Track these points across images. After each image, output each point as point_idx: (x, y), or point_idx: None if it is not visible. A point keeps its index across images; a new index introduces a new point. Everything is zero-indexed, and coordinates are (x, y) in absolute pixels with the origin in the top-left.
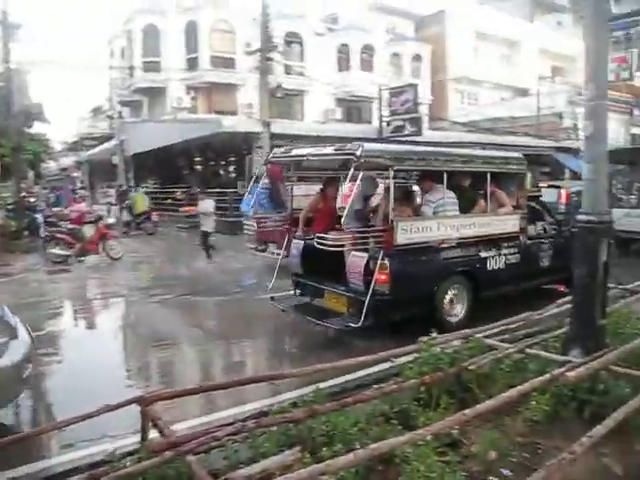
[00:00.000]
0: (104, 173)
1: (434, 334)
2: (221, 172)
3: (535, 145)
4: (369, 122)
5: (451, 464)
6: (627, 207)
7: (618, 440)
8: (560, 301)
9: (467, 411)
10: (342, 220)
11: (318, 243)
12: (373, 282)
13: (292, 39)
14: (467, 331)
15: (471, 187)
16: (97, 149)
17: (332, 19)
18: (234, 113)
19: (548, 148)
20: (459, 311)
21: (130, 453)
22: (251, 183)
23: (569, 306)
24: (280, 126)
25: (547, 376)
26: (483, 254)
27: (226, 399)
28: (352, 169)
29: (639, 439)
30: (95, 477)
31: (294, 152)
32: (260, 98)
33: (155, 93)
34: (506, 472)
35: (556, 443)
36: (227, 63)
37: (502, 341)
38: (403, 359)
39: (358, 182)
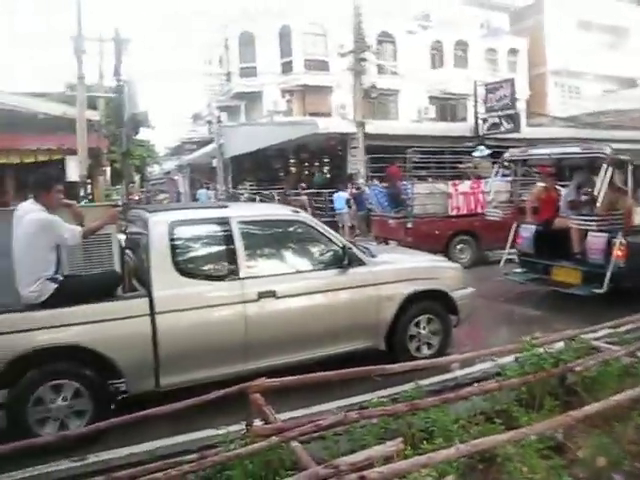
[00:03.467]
0: (204, 176)
1: (536, 333)
2: (315, 173)
3: None
4: (464, 120)
5: (556, 467)
6: None
7: None
8: None
9: (573, 413)
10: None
11: (580, 225)
12: (613, 257)
13: (384, 38)
14: (571, 332)
15: None
16: (197, 153)
17: (424, 16)
18: (328, 114)
19: None
20: None
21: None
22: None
23: None
24: (374, 126)
25: None
26: None
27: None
28: (604, 165)
29: None
30: (205, 457)
31: (531, 152)
32: (354, 99)
33: (252, 97)
34: (618, 477)
35: None
36: (320, 65)
37: (610, 343)
38: (505, 359)
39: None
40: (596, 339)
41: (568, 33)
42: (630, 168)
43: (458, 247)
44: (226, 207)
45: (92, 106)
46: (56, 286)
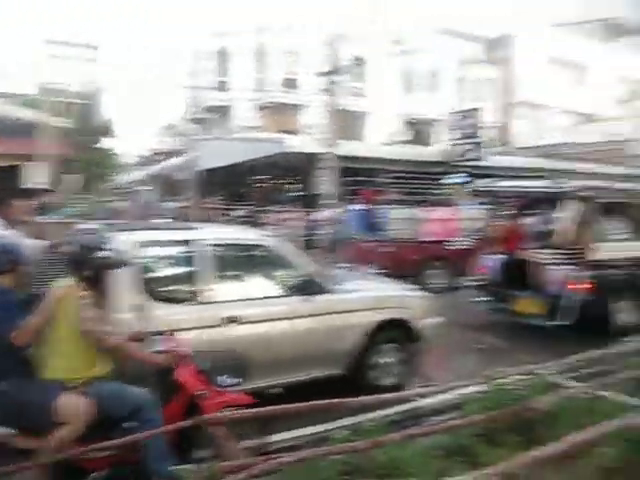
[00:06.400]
0: (172, 188)
1: (499, 369)
2: (281, 191)
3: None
4: (433, 145)
5: None
6: None
7: None
8: None
9: (535, 452)
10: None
11: (539, 258)
12: (571, 289)
13: (357, 62)
14: (532, 367)
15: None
16: (166, 164)
17: (397, 41)
18: (295, 133)
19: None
20: (627, 317)
21: None
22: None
23: None
24: (344, 148)
25: (620, 422)
26: None
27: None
28: (570, 200)
29: None
30: None
31: (500, 184)
32: (325, 120)
33: (225, 112)
34: None
35: None
36: (291, 84)
37: (571, 379)
38: (466, 391)
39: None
40: (555, 374)
41: (536, 66)
42: (593, 204)
43: (429, 273)
44: (194, 229)
45: (58, 112)
46: None
